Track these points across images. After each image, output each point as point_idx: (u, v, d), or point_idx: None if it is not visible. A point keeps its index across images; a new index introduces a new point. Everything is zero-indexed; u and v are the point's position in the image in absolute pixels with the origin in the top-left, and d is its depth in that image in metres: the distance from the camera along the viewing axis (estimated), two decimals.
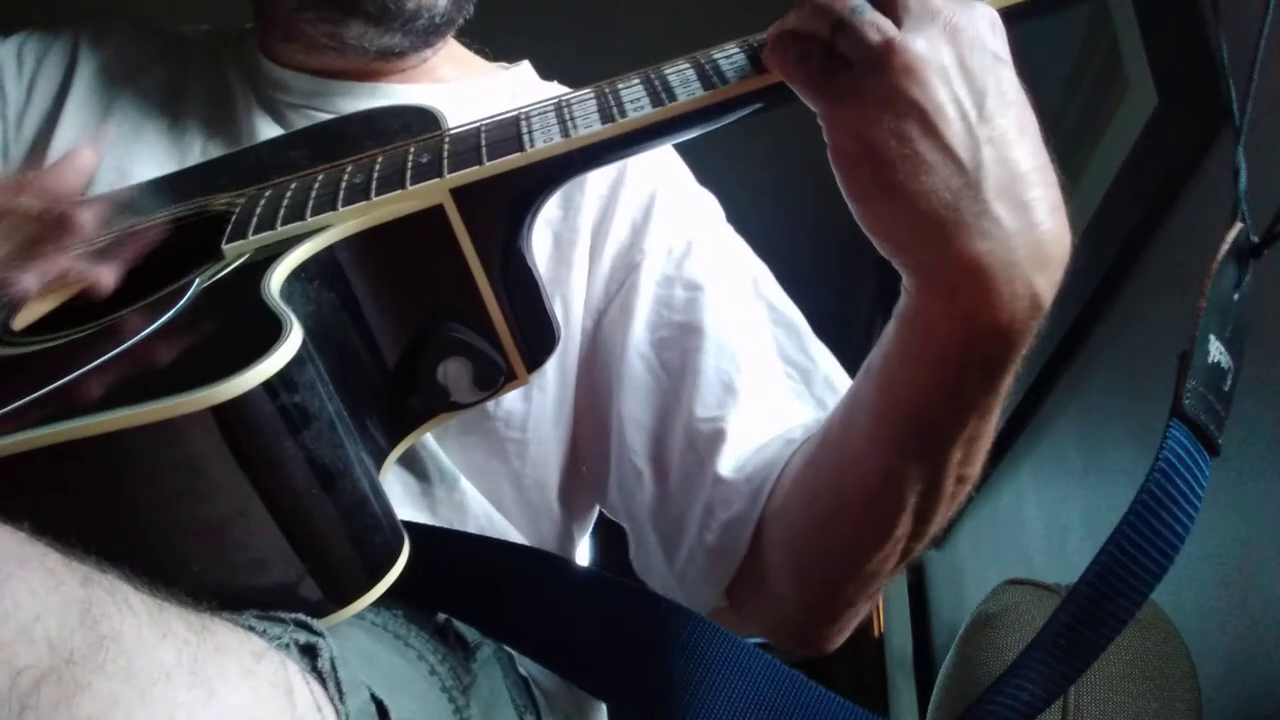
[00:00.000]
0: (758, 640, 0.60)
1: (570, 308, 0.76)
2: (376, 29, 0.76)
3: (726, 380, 0.71)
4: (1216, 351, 0.45)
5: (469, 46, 0.89)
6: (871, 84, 0.46)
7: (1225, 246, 0.46)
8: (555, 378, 0.76)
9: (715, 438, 0.69)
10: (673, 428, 0.72)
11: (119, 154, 0.79)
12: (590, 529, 0.87)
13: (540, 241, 0.76)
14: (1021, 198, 0.46)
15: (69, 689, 0.32)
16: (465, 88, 0.84)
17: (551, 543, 0.80)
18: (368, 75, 0.82)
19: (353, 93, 0.81)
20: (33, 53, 0.85)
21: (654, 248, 0.76)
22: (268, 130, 0.79)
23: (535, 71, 0.89)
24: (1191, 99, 1.06)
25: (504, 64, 0.90)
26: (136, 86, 0.84)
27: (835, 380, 0.74)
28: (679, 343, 0.73)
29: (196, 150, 0.80)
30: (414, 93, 0.81)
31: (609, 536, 0.87)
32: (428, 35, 0.79)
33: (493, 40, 0.90)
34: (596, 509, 0.85)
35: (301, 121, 0.80)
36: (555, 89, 0.86)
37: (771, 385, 0.72)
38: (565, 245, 0.77)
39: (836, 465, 0.60)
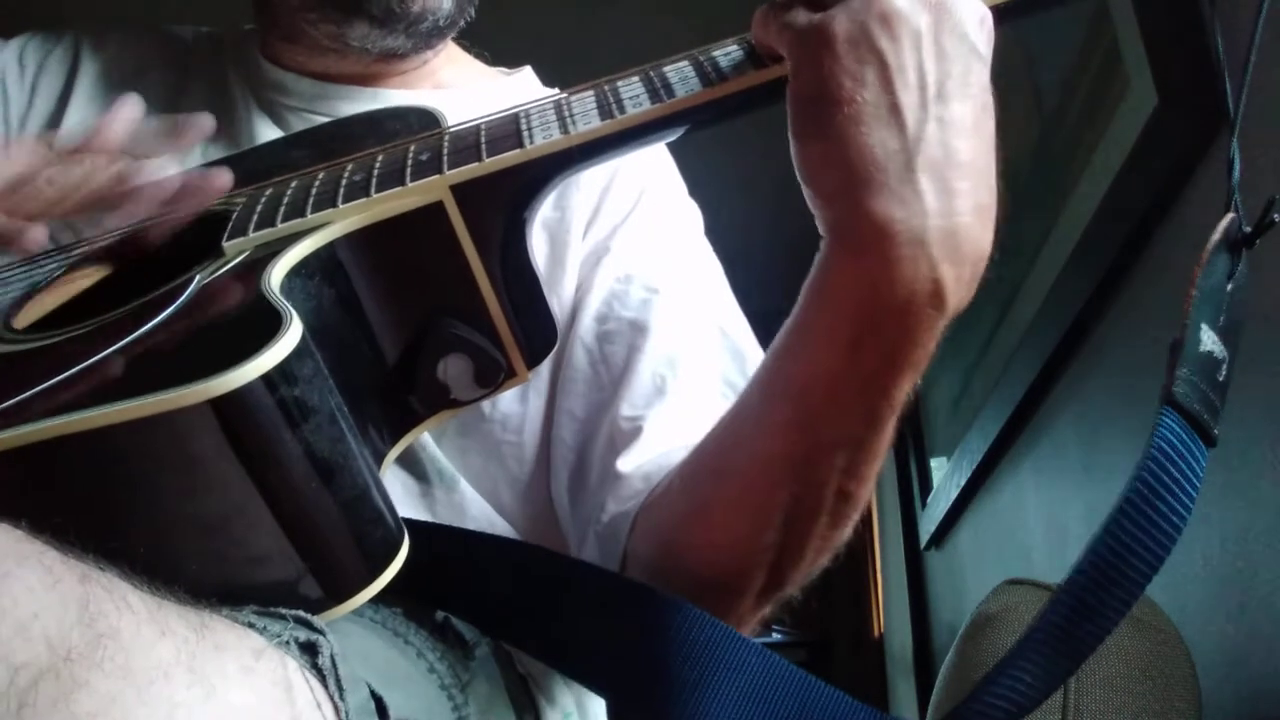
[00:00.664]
0: (763, 640, 0.60)
1: (565, 309, 0.76)
2: (380, 30, 0.76)
3: (659, 383, 0.70)
4: (1209, 340, 0.44)
5: (468, 50, 0.89)
6: (845, 20, 0.46)
7: (1216, 235, 0.46)
8: (549, 378, 0.76)
9: (631, 435, 0.69)
10: (600, 424, 0.71)
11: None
12: None
13: (537, 243, 0.76)
14: (950, 184, 0.46)
15: (67, 686, 0.32)
16: (467, 93, 0.84)
17: (552, 544, 0.80)
18: (368, 78, 0.82)
19: (353, 97, 0.81)
20: (34, 56, 0.85)
21: (623, 244, 0.77)
22: (267, 133, 0.80)
23: (537, 78, 0.90)
24: (1191, 99, 1.06)
25: (504, 69, 0.90)
26: (138, 89, 0.84)
27: None
28: (624, 338, 0.73)
29: (197, 152, 0.80)
30: (415, 98, 0.81)
31: None
32: (430, 37, 0.79)
33: (490, 44, 0.90)
34: None
35: (301, 125, 0.80)
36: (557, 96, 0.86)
37: (702, 397, 0.71)
38: (560, 246, 0.77)
39: (720, 449, 0.59)
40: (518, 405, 0.75)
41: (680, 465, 0.63)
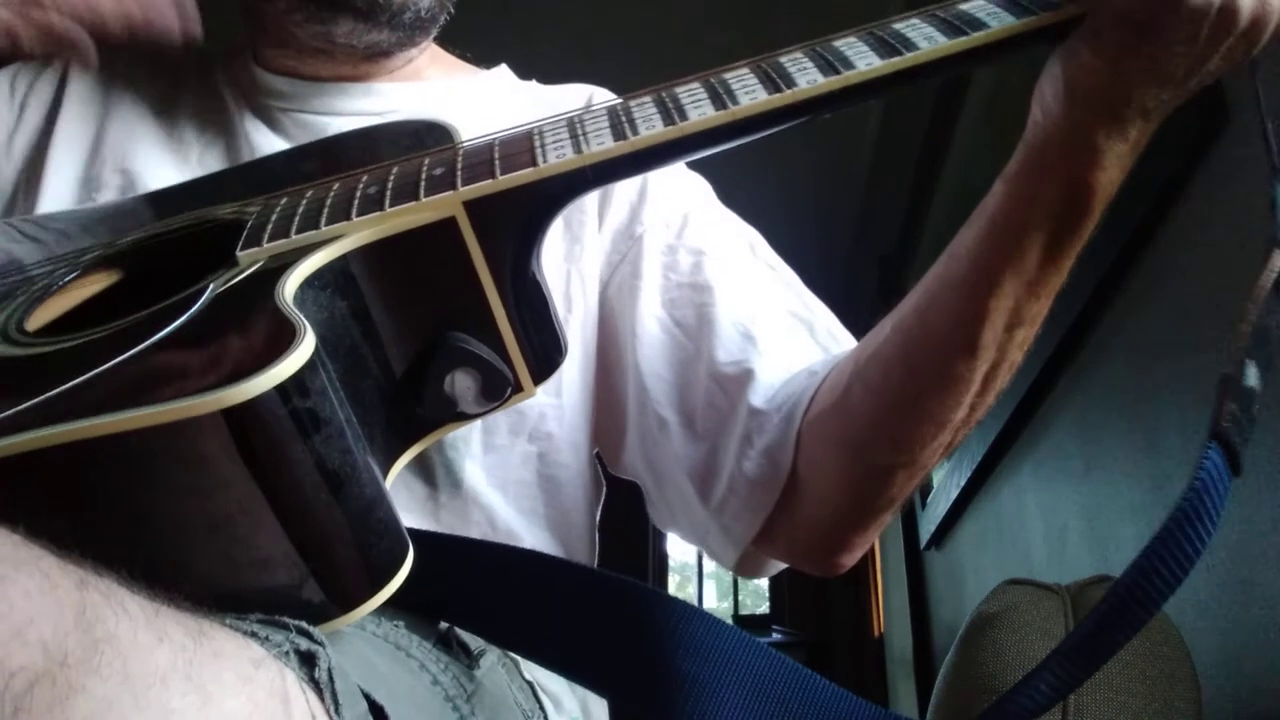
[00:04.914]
0: (763, 639, 0.61)
1: (586, 282, 0.79)
2: (365, 24, 0.78)
3: (743, 329, 0.75)
4: (1253, 377, 0.46)
5: (451, 52, 0.92)
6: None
7: (1272, 274, 0.48)
8: (580, 367, 0.79)
9: (743, 377, 0.72)
10: (696, 375, 0.75)
11: (121, 159, 0.80)
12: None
13: (552, 226, 0.79)
14: (1149, 128, 0.55)
15: (63, 691, 0.32)
16: (450, 85, 0.87)
17: (581, 548, 0.83)
18: (357, 78, 0.83)
19: (344, 93, 0.82)
20: (25, 80, 0.87)
21: (652, 222, 0.80)
22: (261, 135, 0.81)
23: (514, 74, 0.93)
24: (1191, 99, 1.07)
25: (485, 68, 0.93)
26: (130, 99, 0.85)
27: (835, 330, 0.78)
28: (690, 301, 0.77)
29: (193, 158, 0.81)
30: (403, 90, 0.83)
31: (609, 532, 0.88)
32: (413, 32, 0.81)
33: (473, 47, 0.93)
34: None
35: (294, 125, 0.81)
36: (533, 87, 0.90)
37: (783, 331, 0.76)
38: (576, 225, 0.80)
39: (912, 351, 0.63)
40: (554, 398, 0.78)
41: (856, 375, 0.67)
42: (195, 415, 0.42)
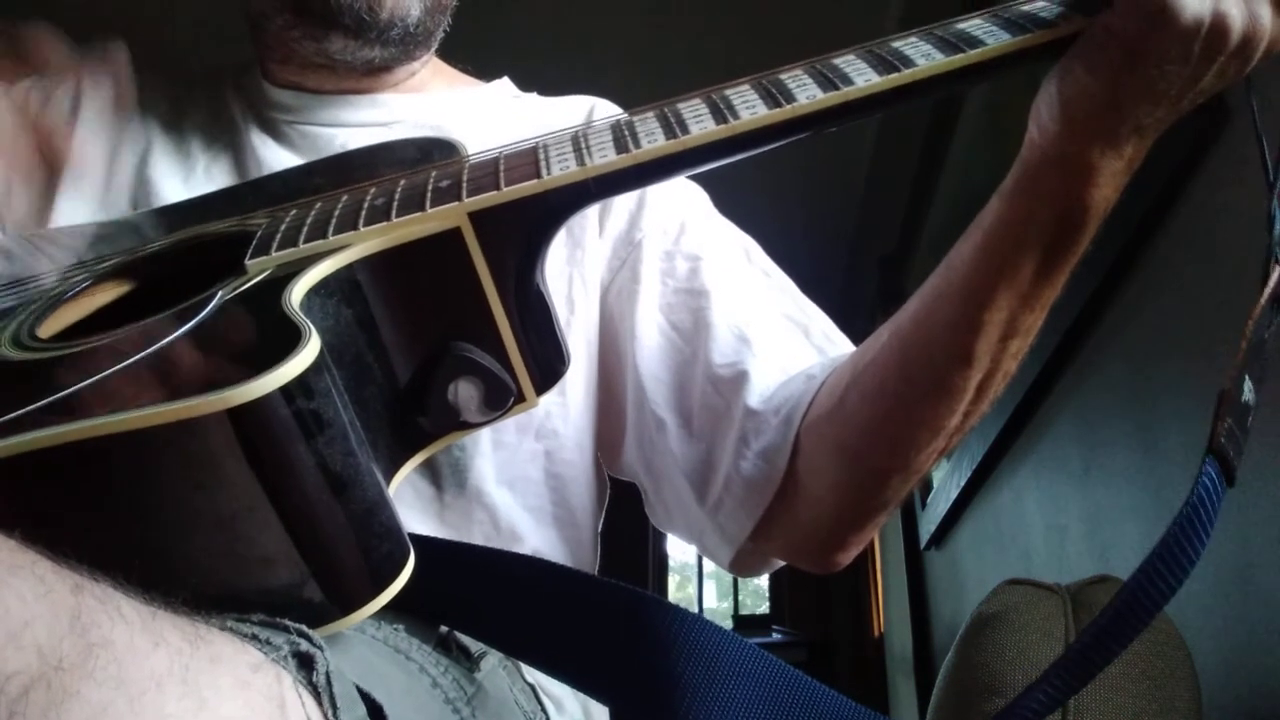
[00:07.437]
0: (763, 639, 0.61)
1: (588, 287, 0.81)
2: (356, 41, 0.80)
3: (738, 332, 0.76)
4: (1248, 391, 0.47)
5: (455, 66, 0.93)
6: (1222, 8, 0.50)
7: (1268, 291, 0.49)
8: (584, 367, 0.81)
9: (738, 379, 0.74)
10: (693, 377, 0.76)
11: (135, 175, 0.83)
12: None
13: None
14: (1144, 145, 0.55)
15: (58, 696, 0.32)
16: (452, 96, 0.89)
17: (585, 547, 0.84)
18: (360, 91, 0.85)
19: (349, 104, 0.84)
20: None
21: (651, 229, 0.82)
22: (267, 148, 0.82)
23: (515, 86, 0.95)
24: None
25: (487, 81, 0.95)
26: (141, 116, 0.87)
27: (830, 333, 0.79)
28: (686, 305, 0.79)
29: (199, 171, 0.83)
30: (406, 101, 0.85)
31: (609, 532, 0.89)
32: (406, 46, 0.82)
33: (476, 62, 0.95)
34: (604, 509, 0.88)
35: (299, 137, 0.83)
36: (534, 99, 0.92)
37: (778, 334, 0.77)
38: (577, 231, 0.81)
39: (908, 359, 0.64)
40: (557, 395, 0.79)
41: (845, 390, 0.67)
42: (202, 415, 0.42)
